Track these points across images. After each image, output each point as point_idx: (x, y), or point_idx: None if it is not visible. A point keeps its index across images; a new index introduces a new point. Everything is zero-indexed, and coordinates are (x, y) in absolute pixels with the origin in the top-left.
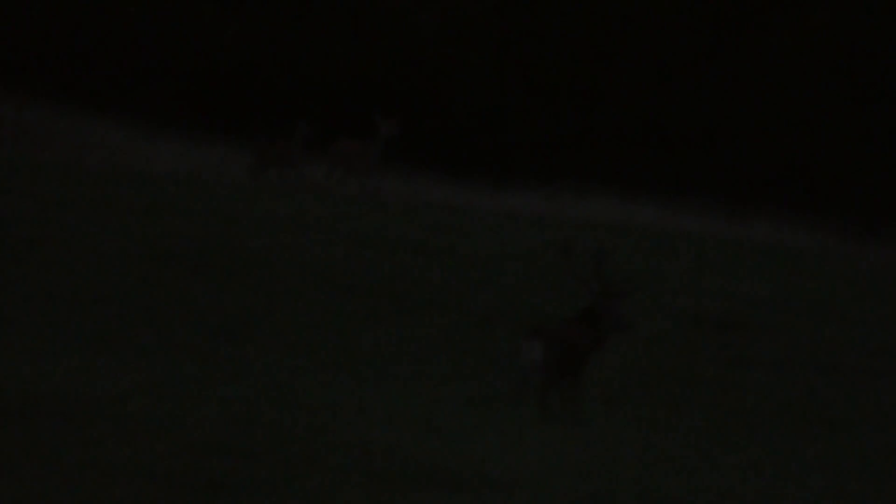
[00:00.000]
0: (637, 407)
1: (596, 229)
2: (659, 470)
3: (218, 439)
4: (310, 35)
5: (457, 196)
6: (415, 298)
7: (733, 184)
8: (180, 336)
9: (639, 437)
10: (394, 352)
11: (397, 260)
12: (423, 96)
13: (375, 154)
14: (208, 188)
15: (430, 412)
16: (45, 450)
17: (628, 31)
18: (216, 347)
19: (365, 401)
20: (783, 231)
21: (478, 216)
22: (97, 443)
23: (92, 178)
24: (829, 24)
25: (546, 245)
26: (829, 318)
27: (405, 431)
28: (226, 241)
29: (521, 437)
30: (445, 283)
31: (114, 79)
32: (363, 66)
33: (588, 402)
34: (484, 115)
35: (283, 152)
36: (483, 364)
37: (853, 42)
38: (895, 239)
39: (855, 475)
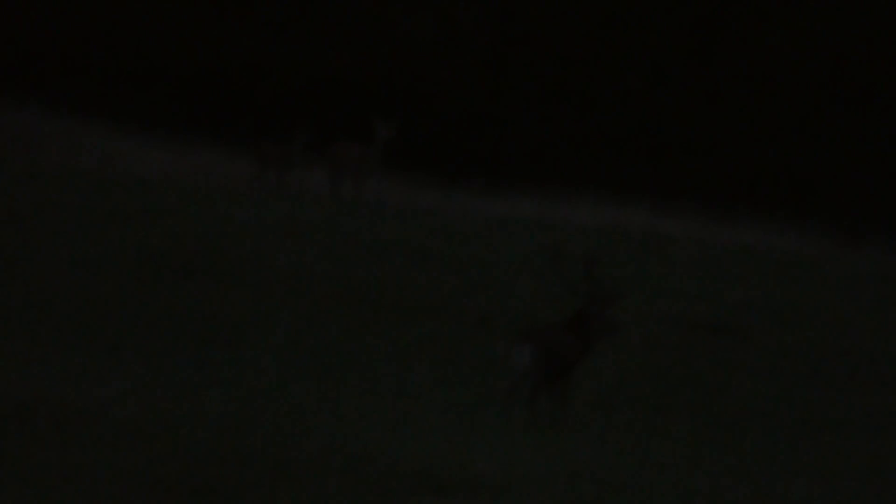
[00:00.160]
0: (627, 411)
1: (586, 234)
2: (649, 474)
3: (208, 445)
4: (303, 39)
5: (448, 200)
6: (405, 303)
7: (723, 188)
8: (171, 341)
9: (629, 441)
10: (384, 356)
11: (388, 264)
12: (414, 101)
13: (374, 158)
14: (200, 192)
15: (421, 416)
16: (35, 455)
17: (619, 36)
18: (207, 352)
19: (355, 405)
20: (773, 236)
21: (469, 220)
22: (87, 448)
23: (83, 183)
24: (818, 30)
25: (537, 249)
26: (819, 322)
27: (395, 436)
28: (217, 246)
29: (511, 442)
30: (436, 287)
31: (105, 83)
32: (355, 71)
33: (578, 407)
34: (475, 120)
35: (284, 157)
36: (473, 368)
37: (841, 49)
38: (884, 243)
39: (845, 480)
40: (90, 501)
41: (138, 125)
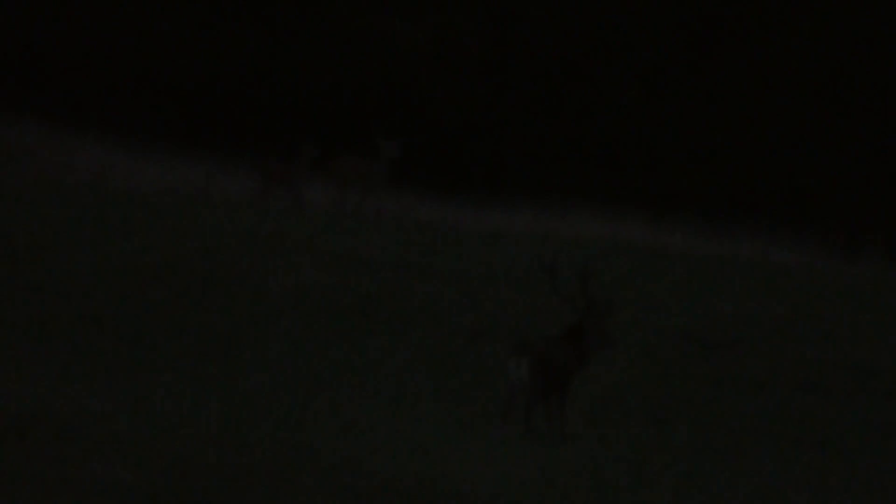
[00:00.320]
0: (623, 424)
1: (582, 246)
2: (645, 487)
3: (205, 457)
4: (297, 52)
5: (443, 214)
6: (400, 316)
7: (719, 201)
8: (166, 354)
9: (624, 454)
10: (380, 369)
11: (383, 277)
12: (409, 114)
13: (379, 176)
14: (195, 206)
15: (416, 430)
16: (32, 468)
17: (615, 49)
18: (203, 365)
19: (349, 419)
20: (769, 248)
21: (464, 233)
22: (83, 461)
23: (79, 196)
24: (814, 43)
25: (532, 262)
26: (815, 335)
27: (391, 448)
28: (211, 261)
29: (506, 454)
30: (431, 300)
31: (101, 96)
32: (351, 83)
33: (573, 420)
34: (470, 133)
35: (289, 172)
36: (469, 381)
37: (837, 61)
38: (880, 255)
39: (840, 493)
40: None
41: (134, 138)
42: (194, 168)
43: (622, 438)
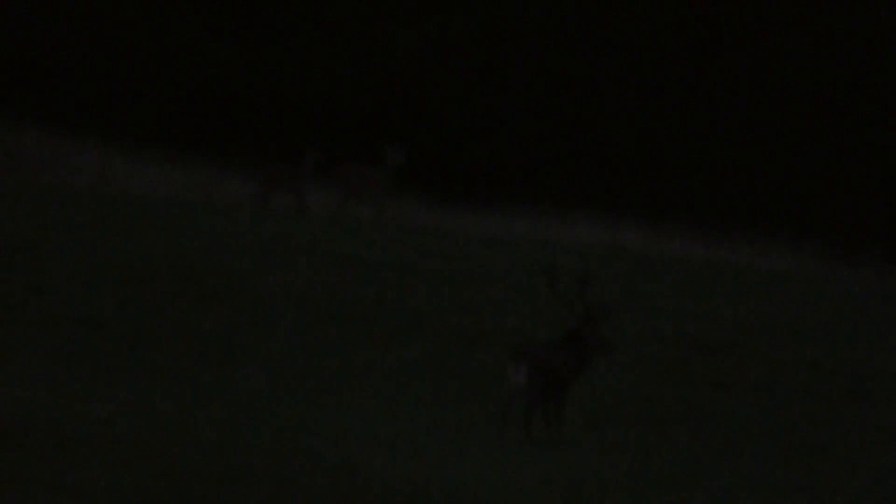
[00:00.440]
0: (621, 429)
1: (581, 252)
2: (643, 492)
3: (203, 461)
4: (296, 58)
5: (442, 218)
6: (399, 321)
7: (716, 207)
8: (164, 359)
9: (623, 459)
10: (378, 374)
11: (382, 282)
12: (407, 120)
13: (384, 181)
14: (195, 210)
15: (414, 434)
16: (30, 472)
17: (613, 55)
18: (200, 370)
19: (349, 423)
20: (766, 254)
21: (463, 238)
22: (83, 465)
23: (79, 200)
24: (812, 50)
25: (531, 268)
26: (812, 341)
27: (389, 453)
28: (212, 264)
29: (505, 459)
30: (430, 305)
31: (101, 101)
32: (349, 89)
33: (572, 425)
34: (469, 139)
35: (291, 176)
36: (468, 386)
37: (836, 68)
38: (877, 262)
39: (839, 497)
40: None
41: (134, 142)
42: (194, 172)
43: (621, 443)
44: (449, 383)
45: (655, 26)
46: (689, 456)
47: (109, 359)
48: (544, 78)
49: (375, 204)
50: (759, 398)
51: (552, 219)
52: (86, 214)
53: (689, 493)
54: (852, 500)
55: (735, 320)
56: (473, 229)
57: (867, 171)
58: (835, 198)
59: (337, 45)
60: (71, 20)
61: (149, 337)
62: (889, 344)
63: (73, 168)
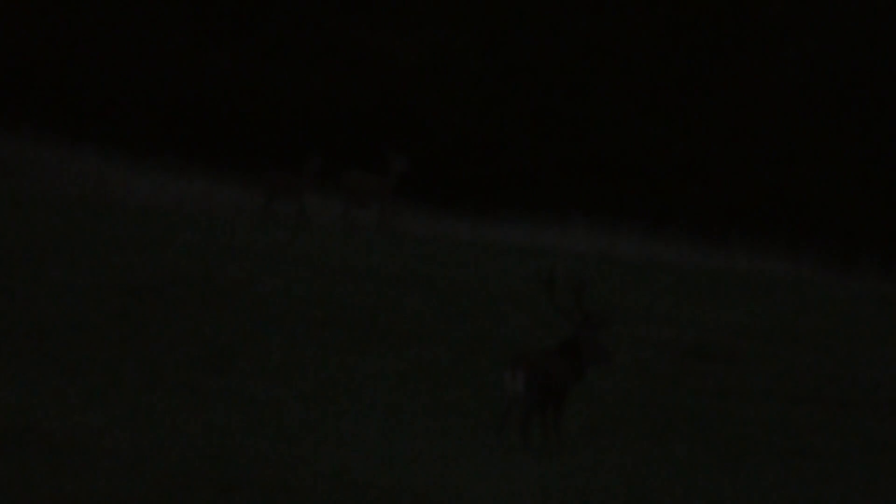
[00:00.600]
0: (619, 437)
1: (578, 259)
2: (641, 499)
3: (198, 471)
4: (293, 67)
5: (439, 227)
6: (397, 329)
7: (714, 213)
8: (160, 367)
9: (620, 466)
10: (376, 382)
11: (379, 290)
12: (405, 128)
13: (388, 189)
14: (190, 219)
15: (411, 442)
16: (25, 482)
17: (609, 63)
18: (196, 379)
19: (347, 431)
20: (763, 261)
21: (460, 247)
22: (78, 474)
23: (74, 209)
24: (806, 57)
25: (528, 275)
26: (809, 348)
27: (386, 461)
28: (208, 273)
29: (502, 467)
30: (427, 313)
31: (96, 110)
32: (345, 99)
33: (570, 432)
34: (465, 147)
35: (293, 184)
36: (465, 394)
37: (833, 75)
38: (873, 268)
39: None
40: None
41: (126, 153)
42: (193, 180)
43: (618, 450)
44: (446, 391)
45: (652, 35)
46: (686, 463)
47: (105, 368)
48: (541, 86)
49: (379, 212)
50: (756, 404)
51: (549, 226)
52: (82, 223)
53: (687, 499)
54: None
55: (732, 327)
56: (471, 237)
57: (864, 178)
58: (831, 204)
59: (336, 56)
60: (70, 28)
61: (146, 345)
62: (886, 350)
63: (72, 176)
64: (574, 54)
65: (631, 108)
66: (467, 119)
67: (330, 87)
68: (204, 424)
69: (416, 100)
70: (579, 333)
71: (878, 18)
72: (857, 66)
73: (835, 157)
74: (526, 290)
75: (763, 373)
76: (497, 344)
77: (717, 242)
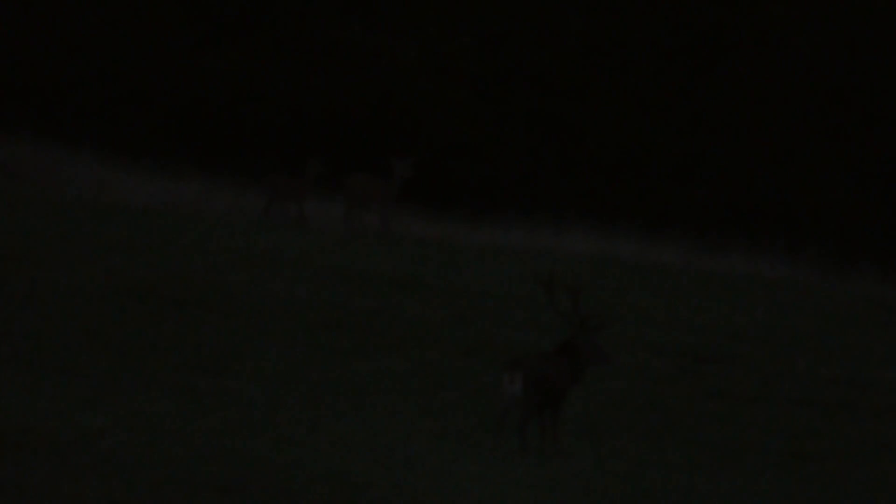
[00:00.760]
0: (617, 439)
1: (576, 262)
2: (639, 501)
3: (196, 473)
4: (292, 70)
5: (437, 230)
6: (395, 332)
7: (711, 217)
8: (159, 370)
9: (618, 469)
10: (374, 385)
11: (376, 294)
12: (401, 132)
13: (392, 193)
14: (190, 222)
15: (410, 444)
16: (24, 484)
17: (607, 66)
18: (194, 381)
19: (345, 434)
20: (760, 264)
21: (458, 250)
22: (77, 476)
23: (73, 212)
24: (803, 61)
25: (527, 278)
26: (806, 351)
27: (384, 464)
28: (207, 276)
29: (500, 470)
30: (426, 316)
31: (96, 112)
32: (343, 103)
33: (568, 435)
34: (463, 150)
35: (295, 187)
36: (464, 397)
37: (830, 79)
38: (870, 272)
39: None
40: None
41: (125, 155)
42: (192, 183)
43: (616, 453)
44: (445, 394)
45: (649, 39)
46: (684, 465)
47: (103, 371)
48: (540, 89)
49: (382, 216)
50: (754, 408)
51: (547, 229)
52: (80, 227)
53: (685, 501)
54: None
55: (730, 330)
56: (469, 240)
57: (862, 181)
58: (829, 208)
59: (334, 56)
60: (68, 31)
61: (145, 347)
62: (884, 353)
63: (70, 179)
64: (572, 57)
65: (629, 111)
66: (466, 122)
67: (328, 89)
68: (203, 426)
69: (415, 103)
70: (577, 336)
71: (878, 21)
72: (857, 70)
73: (833, 161)
74: (524, 292)
75: (761, 375)
76: (496, 347)
77: (714, 245)
